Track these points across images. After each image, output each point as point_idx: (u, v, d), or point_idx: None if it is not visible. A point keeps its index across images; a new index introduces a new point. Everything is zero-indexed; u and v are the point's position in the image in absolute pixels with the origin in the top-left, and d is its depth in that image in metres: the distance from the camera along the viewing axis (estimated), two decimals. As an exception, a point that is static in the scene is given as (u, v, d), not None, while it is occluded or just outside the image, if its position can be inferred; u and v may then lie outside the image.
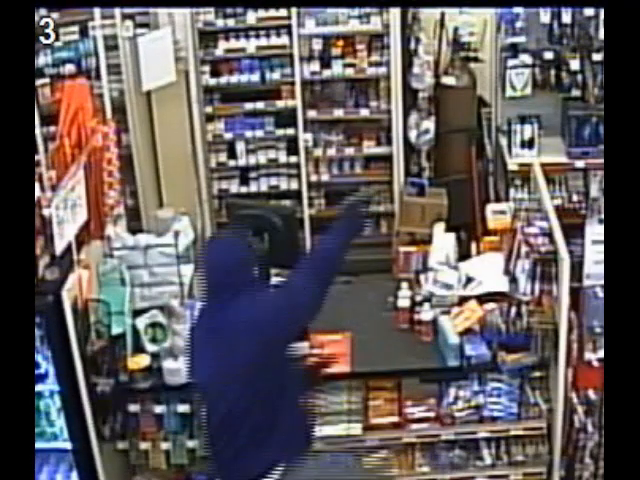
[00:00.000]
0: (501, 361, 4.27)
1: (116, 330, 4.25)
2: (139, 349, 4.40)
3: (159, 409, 4.43)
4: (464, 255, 4.85)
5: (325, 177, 6.44)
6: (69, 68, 5.96)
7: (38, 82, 5.86)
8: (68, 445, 4.30)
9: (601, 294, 3.97)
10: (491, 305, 4.38)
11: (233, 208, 4.84)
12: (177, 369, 4.30)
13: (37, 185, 4.10)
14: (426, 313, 4.47)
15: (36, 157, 5.78)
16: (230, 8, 6.08)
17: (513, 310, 4.28)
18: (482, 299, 4.45)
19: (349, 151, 6.37)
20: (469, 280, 4.55)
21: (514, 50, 5.79)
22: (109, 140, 4.61)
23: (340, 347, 4.49)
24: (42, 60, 5.92)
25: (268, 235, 4.47)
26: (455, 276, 4.57)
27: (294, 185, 6.48)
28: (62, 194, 3.91)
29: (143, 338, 4.39)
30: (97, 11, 5.79)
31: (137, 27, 5.88)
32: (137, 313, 4.44)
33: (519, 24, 5.67)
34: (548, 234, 4.24)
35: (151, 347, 4.38)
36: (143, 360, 4.34)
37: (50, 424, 4.27)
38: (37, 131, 5.81)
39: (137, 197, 6.18)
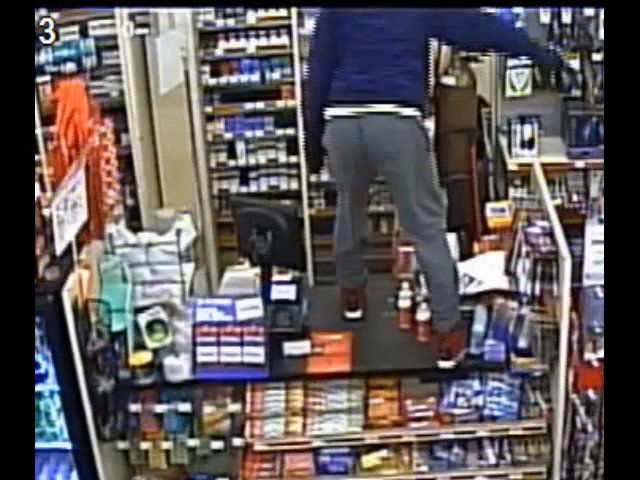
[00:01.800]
0: (511, 364, 4.30)
1: (117, 327, 4.26)
2: (140, 346, 4.41)
3: (160, 408, 4.44)
4: (465, 255, 4.85)
5: (325, 177, 6.43)
6: (70, 66, 5.97)
7: (39, 80, 5.87)
8: (68, 445, 4.30)
9: (601, 294, 3.97)
10: (498, 304, 4.40)
11: (236, 207, 4.84)
12: (178, 366, 4.32)
13: (37, 185, 4.10)
14: (423, 313, 4.48)
15: (36, 157, 5.78)
16: (230, 8, 6.08)
17: (517, 310, 4.28)
18: (485, 299, 4.47)
19: (349, 151, 6.36)
20: (470, 280, 4.56)
21: (514, 50, 5.78)
22: (107, 139, 4.62)
23: (341, 347, 4.50)
24: (43, 58, 5.93)
25: (271, 234, 4.47)
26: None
27: (294, 185, 6.48)
28: (62, 194, 3.91)
29: (144, 335, 4.40)
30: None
31: (137, 27, 5.88)
32: (138, 311, 4.45)
33: (519, 24, 5.67)
34: (549, 234, 4.24)
35: (152, 344, 4.39)
36: (145, 356, 4.35)
37: (50, 424, 4.27)
38: (37, 131, 5.81)
39: (137, 197, 6.18)
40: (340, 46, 4.12)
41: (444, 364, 4.34)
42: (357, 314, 4.70)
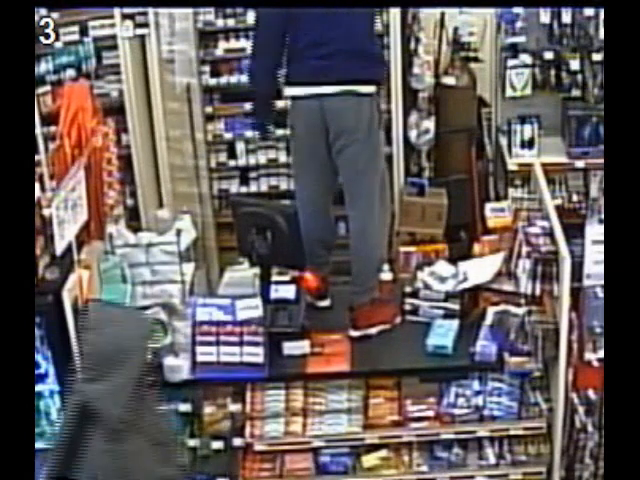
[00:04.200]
0: (505, 364, 4.29)
1: (116, 328, 4.25)
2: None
3: (159, 408, 4.44)
4: (465, 255, 4.85)
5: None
6: (70, 73, 5.97)
7: (38, 90, 5.86)
8: (68, 445, 4.30)
9: (601, 294, 3.97)
10: (494, 304, 4.40)
11: (236, 206, 4.85)
12: (178, 366, 4.32)
13: (37, 185, 4.10)
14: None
15: (36, 157, 5.78)
16: (230, 8, 6.08)
17: (515, 310, 4.29)
18: (486, 300, 4.48)
19: (349, 151, 6.35)
20: (464, 279, 4.57)
21: (514, 50, 5.80)
22: (109, 140, 4.62)
23: (340, 346, 4.50)
24: (43, 67, 5.93)
25: (270, 234, 4.47)
26: (451, 270, 4.61)
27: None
28: (62, 194, 3.91)
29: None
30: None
31: (137, 27, 5.88)
32: (138, 311, 4.45)
33: (519, 24, 5.68)
34: (549, 234, 4.24)
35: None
36: (144, 356, 4.34)
37: (50, 424, 4.26)
38: (37, 131, 5.81)
39: (137, 197, 6.18)
40: (296, 39, 4.50)
41: (354, 333, 4.55)
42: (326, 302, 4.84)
